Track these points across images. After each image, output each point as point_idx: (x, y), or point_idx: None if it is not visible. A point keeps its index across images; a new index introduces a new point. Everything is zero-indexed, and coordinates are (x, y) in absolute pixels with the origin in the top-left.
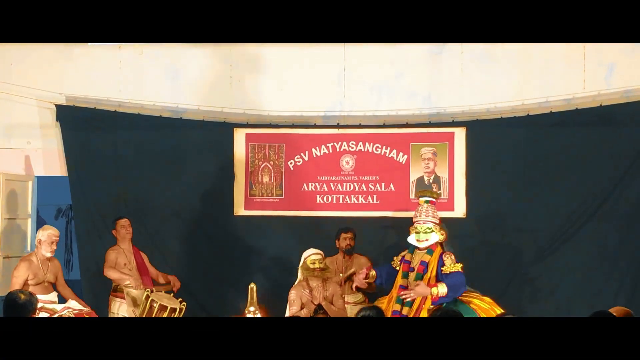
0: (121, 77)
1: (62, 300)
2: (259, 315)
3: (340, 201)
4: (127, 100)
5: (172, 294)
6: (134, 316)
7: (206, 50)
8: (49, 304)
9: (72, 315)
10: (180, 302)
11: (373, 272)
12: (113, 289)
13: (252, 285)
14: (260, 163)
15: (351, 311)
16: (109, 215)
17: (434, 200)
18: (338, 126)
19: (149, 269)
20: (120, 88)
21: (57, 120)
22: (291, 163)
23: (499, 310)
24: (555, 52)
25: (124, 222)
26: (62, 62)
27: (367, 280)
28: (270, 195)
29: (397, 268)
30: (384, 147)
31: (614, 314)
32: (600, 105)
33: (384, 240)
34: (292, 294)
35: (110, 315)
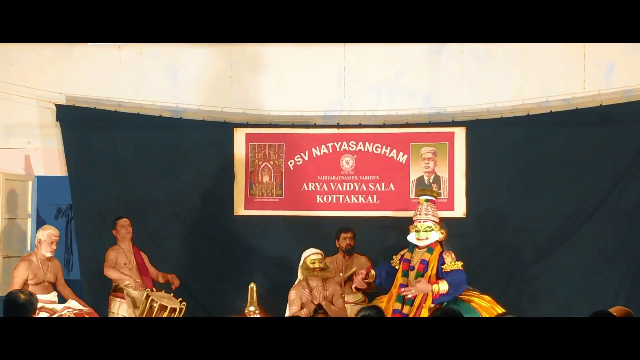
0: (121, 77)
1: (62, 300)
2: (258, 315)
3: (340, 201)
4: (127, 100)
5: (172, 294)
6: (134, 315)
7: (206, 50)
8: (49, 304)
9: (72, 315)
10: (180, 302)
11: (372, 272)
12: (113, 289)
13: (252, 285)
14: (260, 163)
15: (351, 311)
16: (109, 215)
17: (434, 199)
18: (338, 126)
19: (148, 269)
20: (120, 88)
21: (57, 120)
22: (291, 163)
23: (499, 309)
24: (555, 51)
25: (124, 221)
26: (62, 62)
27: (366, 280)
28: (270, 195)
29: (397, 267)
30: (384, 146)
31: (614, 313)
32: (600, 105)
33: (384, 240)
34: (292, 294)
35: (110, 315)
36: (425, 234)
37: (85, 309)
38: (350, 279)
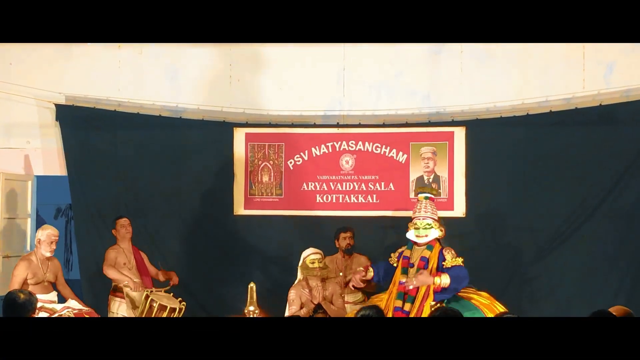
0: (121, 76)
1: (61, 299)
2: (258, 315)
3: (340, 200)
4: (126, 99)
5: (171, 294)
6: (133, 315)
7: (206, 50)
8: (49, 304)
9: (72, 315)
10: (180, 301)
11: (371, 272)
12: (113, 289)
13: (252, 284)
14: (259, 162)
15: (351, 311)
16: (108, 214)
17: (433, 197)
18: (338, 125)
19: (148, 269)
20: (119, 87)
21: (56, 119)
22: (291, 162)
23: (498, 305)
24: (555, 51)
25: (124, 221)
26: (62, 62)
27: (364, 278)
28: (269, 194)
29: (395, 264)
30: (384, 146)
31: (614, 313)
32: (600, 104)
33: (384, 239)
34: (292, 294)
35: (110, 314)
36: (425, 231)
37: (85, 308)
38: (350, 280)
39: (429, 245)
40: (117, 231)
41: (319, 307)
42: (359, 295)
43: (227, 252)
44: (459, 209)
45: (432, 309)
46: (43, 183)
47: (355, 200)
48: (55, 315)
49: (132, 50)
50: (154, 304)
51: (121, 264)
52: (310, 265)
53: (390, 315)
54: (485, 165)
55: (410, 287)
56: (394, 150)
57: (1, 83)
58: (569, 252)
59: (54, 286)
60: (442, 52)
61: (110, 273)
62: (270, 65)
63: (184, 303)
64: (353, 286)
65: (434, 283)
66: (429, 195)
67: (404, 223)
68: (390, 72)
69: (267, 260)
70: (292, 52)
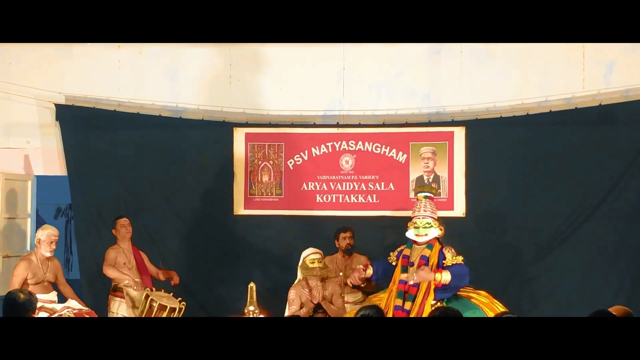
0: (121, 76)
1: (61, 299)
2: (258, 315)
3: (340, 200)
4: (126, 99)
5: (171, 294)
6: (133, 315)
7: (206, 50)
8: (49, 304)
9: (72, 315)
10: (180, 301)
11: (370, 270)
12: (113, 289)
13: (252, 284)
14: (259, 162)
15: (350, 310)
16: (108, 214)
17: (432, 196)
18: (337, 125)
19: (148, 268)
20: (119, 87)
21: (56, 119)
22: (291, 162)
23: (498, 304)
24: (555, 51)
25: (124, 221)
26: (62, 62)
27: (363, 277)
28: (269, 194)
29: (394, 263)
30: (384, 146)
31: (614, 313)
32: (600, 104)
33: (384, 239)
34: (292, 294)
35: (110, 314)
36: (425, 230)
37: (85, 308)
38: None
39: (429, 244)
40: (117, 231)
41: (318, 307)
42: (359, 295)
43: (227, 252)
44: (459, 209)
45: (433, 307)
46: (43, 183)
47: (355, 200)
48: (55, 315)
49: (132, 50)
50: (154, 304)
51: (121, 264)
52: (310, 265)
53: (390, 313)
54: (485, 165)
55: (411, 282)
56: (394, 150)
57: (1, 83)
58: (569, 252)
59: (54, 286)
60: (442, 52)
61: (110, 272)
62: (270, 65)
63: (183, 303)
64: (351, 284)
65: (434, 279)
66: (428, 194)
67: (404, 223)
68: (390, 72)
69: (267, 260)
70: (292, 52)
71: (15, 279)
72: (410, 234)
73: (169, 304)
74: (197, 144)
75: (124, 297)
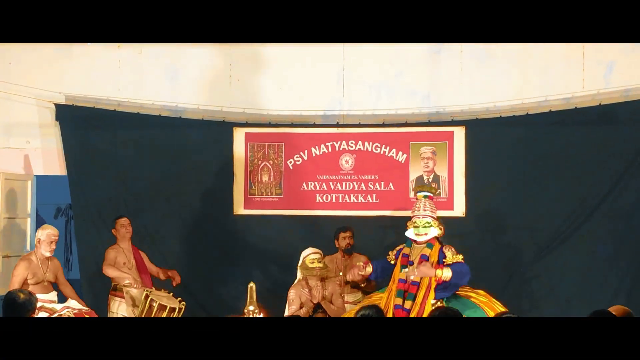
0: (120, 76)
1: (61, 299)
2: (258, 315)
3: (340, 200)
4: (126, 99)
5: (171, 293)
6: (133, 316)
7: (205, 50)
8: (49, 304)
9: (72, 315)
10: (180, 301)
11: (370, 268)
12: (112, 288)
13: (252, 284)
14: (259, 162)
15: (350, 310)
16: (108, 214)
17: (432, 195)
18: (337, 125)
19: (149, 267)
20: (119, 87)
21: (56, 119)
22: (290, 162)
23: (496, 303)
24: (555, 51)
25: (124, 221)
26: (62, 62)
27: (362, 274)
28: (269, 194)
29: (393, 262)
30: (384, 146)
31: (614, 313)
32: (600, 104)
33: (384, 239)
34: (291, 293)
35: (110, 314)
36: (424, 229)
37: (85, 308)
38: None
39: (429, 244)
40: (116, 231)
41: (318, 306)
42: (359, 295)
43: (227, 252)
44: (459, 209)
45: (433, 307)
46: (43, 183)
47: (355, 200)
48: (55, 315)
49: (132, 50)
50: (154, 304)
51: (121, 264)
52: (310, 265)
53: (390, 312)
54: (485, 165)
55: (412, 277)
56: (394, 150)
57: (1, 83)
58: (568, 252)
59: (54, 286)
60: (442, 52)
61: (110, 272)
62: (270, 65)
63: (183, 303)
64: (351, 279)
65: (435, 275)
66: (428, 193)
67: (404, 223)
68: (390, 72)
69: (267, 260)
70: (292, 52)
71: (15, 278)
72: (409, 233)
73: (168, 304)
74: (197, 143)
75: (123, 297)
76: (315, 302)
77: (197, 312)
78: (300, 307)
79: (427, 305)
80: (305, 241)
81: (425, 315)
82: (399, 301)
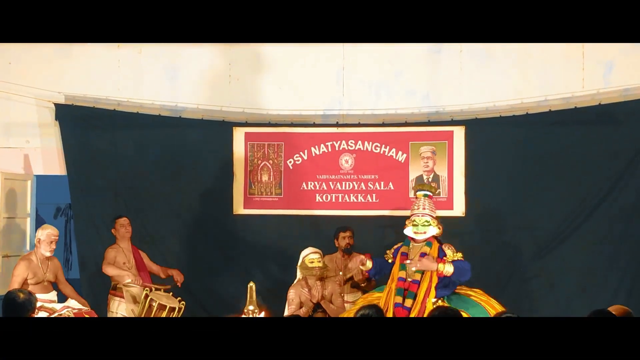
0: (120, 75)
1: (61, 299)
2: (258, 315)
3: (340, 200)
4: (126, 99)
5: (170, 293)
6: (133, 314)
7: (205, 49)
8: (49, 303)
9: (72, 315)
10: (179, 301)
11: (369, 264)
12: (112, 288)
13: (251, 284)
14: (259, 162)
15: (349, 309)
16: (108, 214)
17: (431, 194)
18: (337, 125)
19: (149, 266)
20: (119, 87)
21: (56, 119)
22: (290, 162)
23: (493, 301)
24: (554, 51)
25: (123, 221)
26: (61, 61)
27: (362, 268)
28: (269, 194)
29: (390, 261)
30: (383, 145)
31: (613, 312)
32: (599, 103)
33: (383, 239)
34: (291, 293)
35: (109, 314)
36: (424, 228)
37: (85, 308)
38: (350, 279)
39: (428, 242)
40: (116, 230)
41: (318, 306)
42: (359, 295)
43: (227, 251)
44: (459, 208)
45: (434, 305)
46: (42, 182)
47: (355, 200)
48: (55, 314)
49: (132, 49)
50: (154, 303)
51: (120, 263)
52: (310, 265)
53: (391, 311)
54: (485, 164)
55: (414, 269)
56: (394, 150)
57: (1, 82)
58: (568, 252)
59: (54, 286)
60: (442, 52)
61: (110, 270)
62: (269, 65)
63: (183, 302)
64: (353, 277)
65: (437, 269)
66: (427, 192)
67: (404, 222)
68: (390, 72)
69: (267, 260)
70: (291, 51)
71: (15, 278)
72: (408, 231)
73: (168, 304)
74: (196, 143)
75: (123, 297)
76: (314, 301)
77: (197, 312)
78: (300, 307)
79: (428, 304)
80: (304, 241)
81: (426, 314)
82: (399, 299)
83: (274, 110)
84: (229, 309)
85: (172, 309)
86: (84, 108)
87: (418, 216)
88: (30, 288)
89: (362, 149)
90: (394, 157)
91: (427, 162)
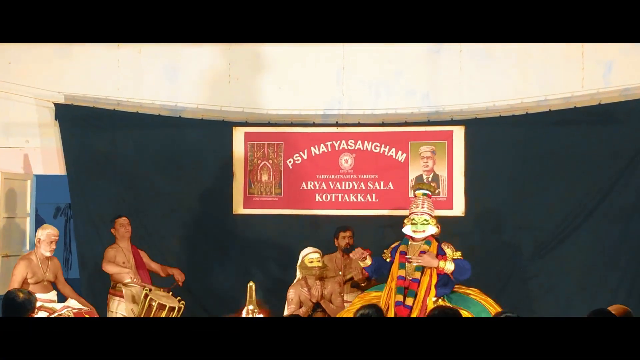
0: (120, 75)
1: (61, 299)
2: (257, 315)
3: (339, 200)
4: (125, 98)
5: (170, 293)
6: (132, 314)
7: (205, 49)
8: (48, 303)
9: (72, 315)
10: (179, 300)
11: (369, 261)
12: (112, 287)
13: (251, 284)
14: (259, 162)
15: (349, 308)
16: (107, 213)
17: (430, 193)
18: (337, 125)
19: (149, 266)
20: (119, 87)
21: (55, 118)
22: (290, 162)
23: (491, 300)
24: (554, 51)
25: (123, 220)
26: (61, 61)
27: (361, 264)
28: (269, 193)
29: (388, 260)
30: (383, 145)
31: (613, 312)
32: (599, 103)
33: (383, 238)
34: (291, 293)
35: (109, 313)
36: (423, 226)
37: (85, 308)
38: (350, 279)
39: (427, 241)
40: (116, 230)
41: (317, 306)
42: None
43: (227, 251)
44: (458, 208)
45: (434, 304)
46: (42, 182)
47: (355, 200)
48: (55, 314)
49: (132, 49)
50: (153, 303)
51: (120, 263)
52: (309, 265)
53: (392, 310)
54: (485, 164)
55: (415, 264)
56: (393, 150)
57: (0, 82)
58: (568, 251)
59: (53, 285)
60: (442, 51)
61: (110, 268)
62: (269, 65)
63: (183, 302)
64: (354, 275)
65: (438, 266)
66: (426, 192)
67: (403, 222)
68: (390, 72)
69: (267, 260)
70: (291, 51)
71: (14, 278)
72: (407, 230)
73: (168, 303)
74: (196, 143)
75: (123, 296)
76: (314, 301)
77: (196, 312)
78: (300, 307)
79: (429, 303)
80: (304, 240)
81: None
82: (400, 298)
83: (274, 110)
84: (228, 309)
85: (172, 309)
86: (84, 108)
87: (417, 215)
88: (30, 288)
89: (361, 148)
90: (394, 156)
91: (426, 162)
